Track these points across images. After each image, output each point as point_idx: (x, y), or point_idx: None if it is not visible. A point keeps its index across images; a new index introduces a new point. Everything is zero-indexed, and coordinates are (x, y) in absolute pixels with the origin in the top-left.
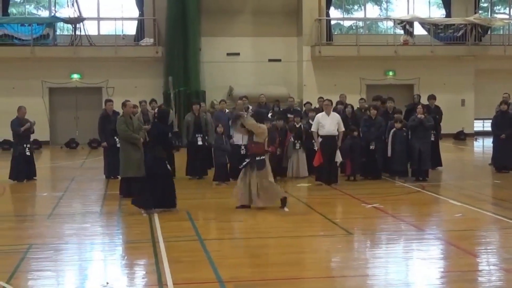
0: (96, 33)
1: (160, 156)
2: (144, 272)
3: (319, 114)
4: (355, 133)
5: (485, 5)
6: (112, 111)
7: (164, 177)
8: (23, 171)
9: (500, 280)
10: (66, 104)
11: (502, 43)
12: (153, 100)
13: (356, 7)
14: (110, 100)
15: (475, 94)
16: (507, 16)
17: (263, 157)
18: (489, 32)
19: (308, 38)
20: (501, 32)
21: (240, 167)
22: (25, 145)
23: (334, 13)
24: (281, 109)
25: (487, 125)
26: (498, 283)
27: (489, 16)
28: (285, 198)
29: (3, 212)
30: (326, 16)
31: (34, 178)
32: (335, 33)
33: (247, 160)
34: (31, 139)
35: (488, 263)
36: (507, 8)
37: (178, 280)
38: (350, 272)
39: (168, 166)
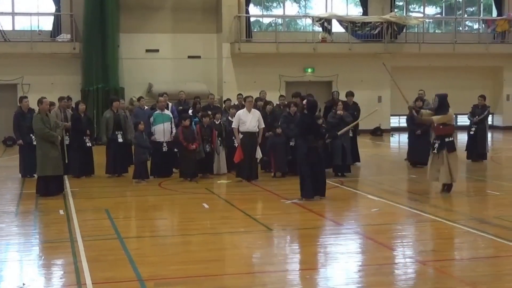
0: (10, 29)
1: (313, 145)
2: (62, 272)
3: (240, 111)
4: (278, 131)
5: (401, 3)
6: (27, 109)
7: (317, 165)
8: None
9: (416, 272)
10: None
11: (417, 41)
12: (69, 98)
13: (275, 4)
14: (25, 97)
15: (391, 91)
16: (421, 15)
17: (452, 138)
18: (404, 30)
19: (227, 35)
20: (416, 30)
21: (433, 151)
22: None
23: (253, 10)
24: (201, 106)
25: (403, 121)
26: (414, 275)
27: (405, 14)
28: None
29: None
30: (246, 13)
31: None
32: (255, 30)
33: (437, 142)
34: None
35: (404, 256)
36: (422, 7)
37: (98, 279)
38: (270, 268)
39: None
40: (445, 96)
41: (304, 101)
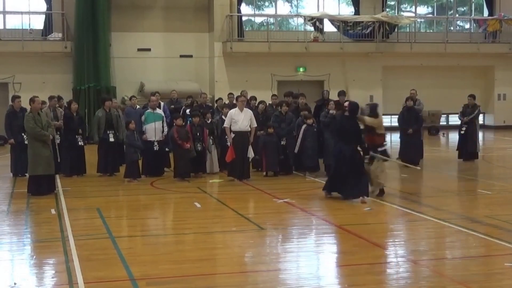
0: (1, 27)
1: (349, 146)
2: (54, 271)
3: (232, 110)
4: (270, 130)
5: (392, 3)
6: (19, 108)
7: (346, 165)
8: None
9: (408, 272)
10: None
11: (408, 40)
12: (59, 98)
13: (267, 3)
14: (18, 97)
15: (383, 90)
16: (413, 14)
17: (384, 148)
18: (396, 30)
19: (219, 34)
20: (407, 30)
21: (369, 159)
22: None
23: (245, 9)
24: (198, 105)
25: (394, 121)
26: (406, 274)
27: (396, 14)
28: (383, 189)
29: None
30: (237, 12)
31: None
32: (247, 29)
33: (381, 150)
34: None
35: (396, 255)
36: (413, 7)
37: (89, 279)
38: (263, 267)
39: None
40: (374, 106)
41: (346, 103)
